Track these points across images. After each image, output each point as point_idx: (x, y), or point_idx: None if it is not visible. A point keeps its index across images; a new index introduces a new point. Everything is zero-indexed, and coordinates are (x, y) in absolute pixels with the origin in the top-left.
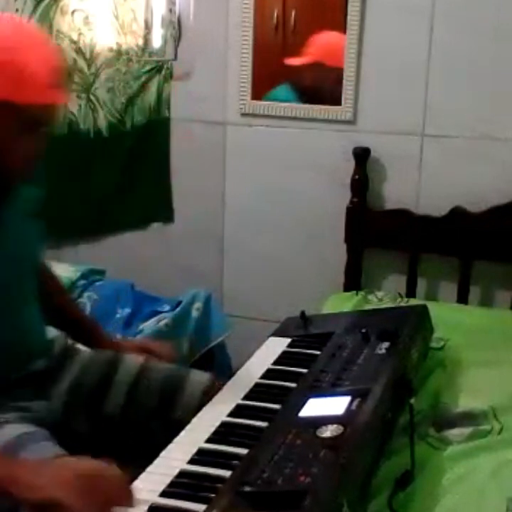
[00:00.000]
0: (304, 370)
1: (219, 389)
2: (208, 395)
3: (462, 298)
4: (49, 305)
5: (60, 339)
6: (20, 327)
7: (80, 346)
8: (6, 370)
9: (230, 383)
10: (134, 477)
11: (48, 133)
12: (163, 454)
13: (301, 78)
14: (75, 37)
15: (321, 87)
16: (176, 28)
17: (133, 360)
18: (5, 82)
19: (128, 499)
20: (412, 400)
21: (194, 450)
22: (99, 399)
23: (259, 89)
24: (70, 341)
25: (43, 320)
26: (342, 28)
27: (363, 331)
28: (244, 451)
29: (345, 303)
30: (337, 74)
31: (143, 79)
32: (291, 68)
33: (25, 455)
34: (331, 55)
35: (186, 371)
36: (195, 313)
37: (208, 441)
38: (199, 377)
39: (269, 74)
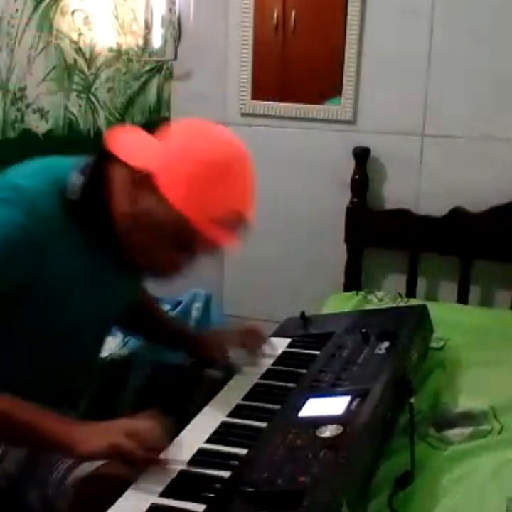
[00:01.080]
0: (304, 370)
1: None
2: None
3: (462, 298)
4: (152, 328)
5: None
6: (88, 355)
7: None
8: (43, 393)
9: (230, 383)
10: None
11: (192, 261)
12: (163, 454)
13: None
14: (75, 37)
15: None
16: (176, 28)
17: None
18: (190, 199)
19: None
20: (412, 400)
21: (194, 450)
22: (114, 400)
23: (261, 90)
24: None
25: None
26: (342, 28)
27: (363, 331)
28: (244, 451)
29: (345, 303)
30: None
31: (143, 79)
32: None
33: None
34: None
35: (200, 369)
36: (195, 313)
37: (208, 441)
38: (211, 376)
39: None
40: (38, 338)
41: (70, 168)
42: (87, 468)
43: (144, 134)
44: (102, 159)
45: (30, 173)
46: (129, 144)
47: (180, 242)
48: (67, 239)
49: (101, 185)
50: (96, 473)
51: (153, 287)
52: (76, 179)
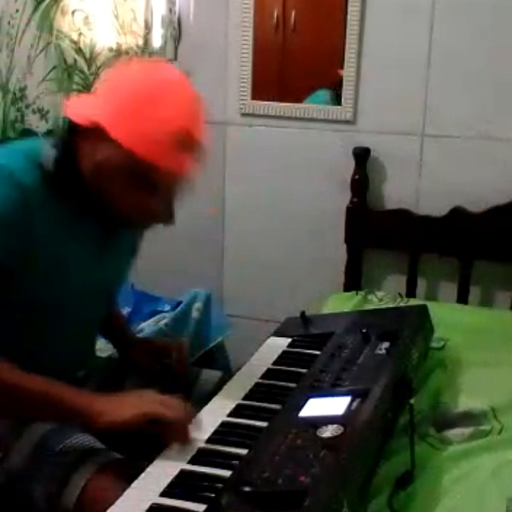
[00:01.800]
0: (304, 370)
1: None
2: (219, 389)
3: (462, 298)
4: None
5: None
6: (81, 340)
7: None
8: (51, 373)
9: (230, 383)
10: (136, 475)
11: (163, 198)
12: (163, 453)
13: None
14: (75, 37)
15: None
16: (176, 28)
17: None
18: (134, 133)
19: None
20: (412, 400)
21: (194, 449)
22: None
23: (261, 90)
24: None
25: (95, 343)
26: (342, 28)
27: (363, 331)
28: (244, 451)
29: (345, 303)
30: None
31: None
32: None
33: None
34: None
35: (197, 370)
36: (195, 314)
37: (208, 441)
38: (210, 376)
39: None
40: (34, 312)
41: (44, 146)
42: (92, 466)
43: (87, 95)
44: (69, 130)
45: (5, 152)
46: (79, 107)
47: (141, 181)
48: (51, 210)
49: (70, 153)
50: (101, 472)
51: (153, 287)
52: (49, 153)
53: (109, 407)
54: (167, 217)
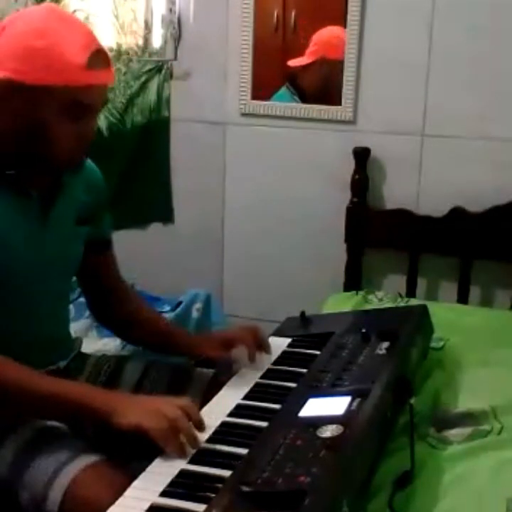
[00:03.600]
0: (304, 370)
1: (222, 383)
2: (212, 386)
3: (462, 298)
4: (145, 331)
5: (77, 342)
6: (47, 321)
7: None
8: (30, 364)
9: (230, 383)
10: (135, 476)
11: (95, 118)
12: (163, 453)
13: (303, 79)
14: None
15: (326, 85)
16: (176, 28)
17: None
18: (40, 67)
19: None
20: (412, 400)
21: (194, 450)
22: None
23: (261, 91)
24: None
25: (68, 319)
26: (342, 28)
27: (363, 331)
28: (244, 451)
29: (345, 303)
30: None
31: (143, 79)
32: (292, 70)
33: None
34: (333, 48)
35: (191, 366)
36: (195, 314)
37: (208, 440)
38: (202, 374)
39: (271, 76)
40: None
41: None
42: (73, 470)
43: None
44: None
45: None
46: None
47: (74, 110)
48: None
49: None
50: (82, 476)
51: (153, 287)
52: None
53: (121, 408)
54: (94, 133)
